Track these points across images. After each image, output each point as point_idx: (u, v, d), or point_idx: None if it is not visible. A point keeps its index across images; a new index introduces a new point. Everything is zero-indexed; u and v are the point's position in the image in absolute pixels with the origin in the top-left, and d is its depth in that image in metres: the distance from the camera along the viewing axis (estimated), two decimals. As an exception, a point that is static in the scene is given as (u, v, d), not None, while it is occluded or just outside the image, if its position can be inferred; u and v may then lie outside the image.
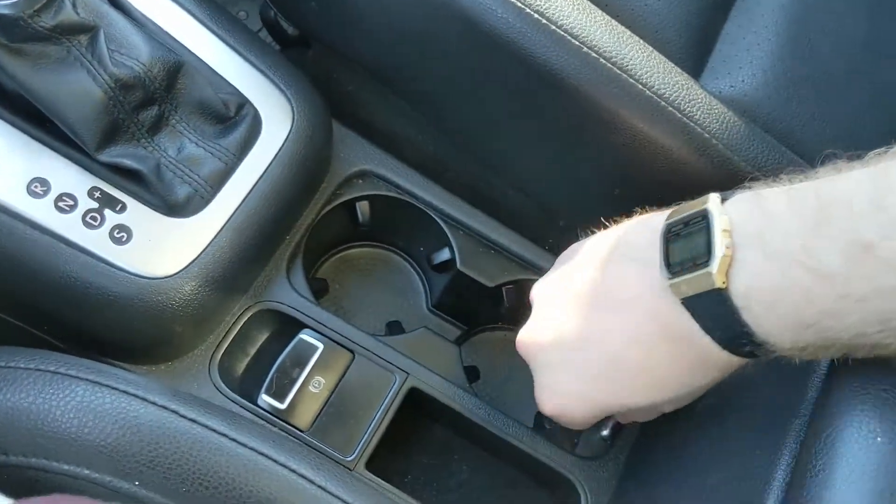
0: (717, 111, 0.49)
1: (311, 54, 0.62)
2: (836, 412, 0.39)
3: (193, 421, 0.38)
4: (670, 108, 0.47)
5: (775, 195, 0.36)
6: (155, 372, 0.51)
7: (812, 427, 0.39)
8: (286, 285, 0.55)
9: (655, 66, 0.48)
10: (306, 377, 0.52)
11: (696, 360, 0.39)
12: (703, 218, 0.37)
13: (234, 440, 0.38)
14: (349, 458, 0.51)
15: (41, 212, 0.46)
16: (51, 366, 0.39)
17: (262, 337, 0.55)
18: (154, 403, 0.38)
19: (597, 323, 0.42)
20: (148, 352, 0.50)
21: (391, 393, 0.53)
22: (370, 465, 0.52)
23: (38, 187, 0.46)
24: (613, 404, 0.44)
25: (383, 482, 0.52)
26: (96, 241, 0.47)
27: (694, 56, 0.54)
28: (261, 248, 0.52)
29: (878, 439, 0.36)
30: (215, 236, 0.48)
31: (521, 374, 0.56)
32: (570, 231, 0.52)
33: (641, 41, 0.49)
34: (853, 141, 0.53)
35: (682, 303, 0.38)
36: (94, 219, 0.47)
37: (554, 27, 0.48)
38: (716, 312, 0.37)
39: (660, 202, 0.43)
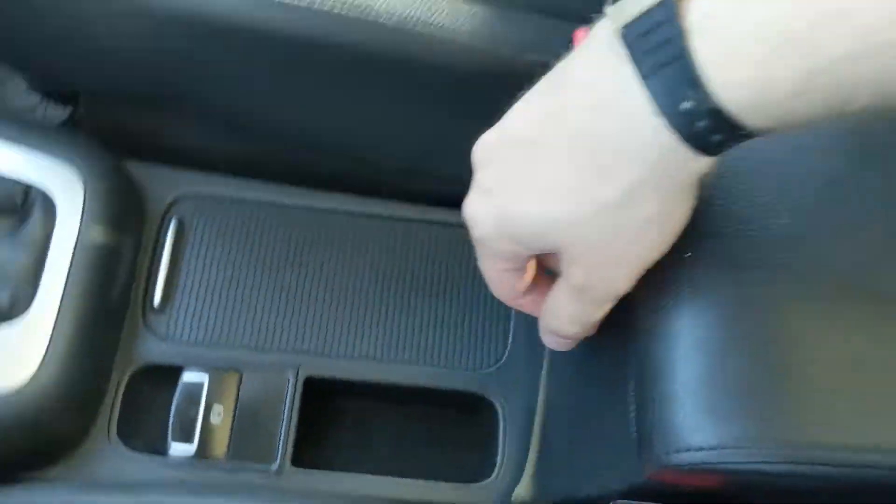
0: (473, 14, 0.49)
1: (82, 101, 0.60)
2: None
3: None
4: (418, 31, 0.47)
5: None
6: (59, 466, 0.51)
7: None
8: (151, 336, 0.55)
9: None
10: (204, 412, 0.53)
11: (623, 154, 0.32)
12: None
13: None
14: (275, 465, 0.53)
15: None
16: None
17: (149, 392, 0.55)
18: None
19: (553, 105, 0.34)
20: (40, 457, 0.51)
21: (289, 392, 0.55)
22: (297, 462, 0.54)
23: None
24: (509, 210, 0.35)
25: (316, 470, 0.54)
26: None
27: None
28: (108, 317, 0.52)
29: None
30: (54, 329, 0.48)
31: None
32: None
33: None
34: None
35: (622, 35, 0.31)
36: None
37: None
38: (655, 39, 0.30)
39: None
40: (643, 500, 0.39)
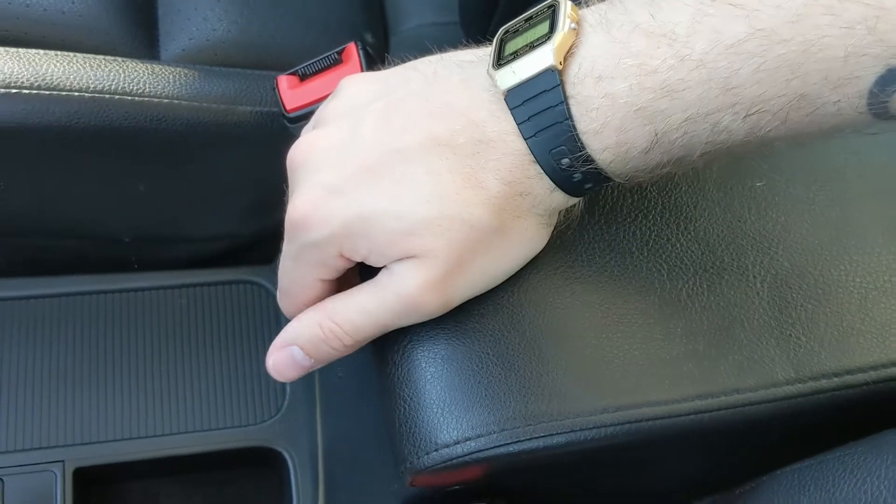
0: (173, 74, 0.50)
1: None
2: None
3: None
4: (118, 98, 0.47)
5: None
6: None
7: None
8: None
9: (79, 68, 0.48)
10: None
11: (497, 176, 0.34)
12: (549, 7, 0.34)
13: None
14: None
15: None
16: None
17: None
18: None
19: (394, 122, 0.35)
20: None
21: (58, 489, 0.52)
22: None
23: None
24: (370, 208, 0.34)
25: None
26: None
27: (143, 35, 0.55)
28: None
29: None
30: None
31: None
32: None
33: (58, 54, 0.49)
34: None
35: (504, 96, 0.33)
36: None
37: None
38: (538, 105, 0.33)
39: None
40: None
